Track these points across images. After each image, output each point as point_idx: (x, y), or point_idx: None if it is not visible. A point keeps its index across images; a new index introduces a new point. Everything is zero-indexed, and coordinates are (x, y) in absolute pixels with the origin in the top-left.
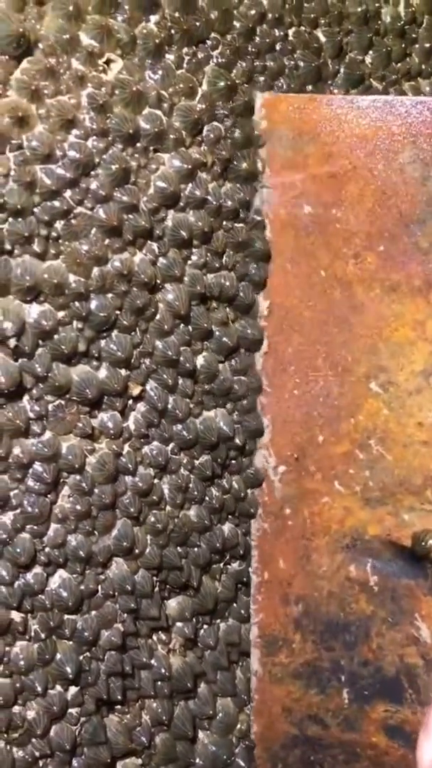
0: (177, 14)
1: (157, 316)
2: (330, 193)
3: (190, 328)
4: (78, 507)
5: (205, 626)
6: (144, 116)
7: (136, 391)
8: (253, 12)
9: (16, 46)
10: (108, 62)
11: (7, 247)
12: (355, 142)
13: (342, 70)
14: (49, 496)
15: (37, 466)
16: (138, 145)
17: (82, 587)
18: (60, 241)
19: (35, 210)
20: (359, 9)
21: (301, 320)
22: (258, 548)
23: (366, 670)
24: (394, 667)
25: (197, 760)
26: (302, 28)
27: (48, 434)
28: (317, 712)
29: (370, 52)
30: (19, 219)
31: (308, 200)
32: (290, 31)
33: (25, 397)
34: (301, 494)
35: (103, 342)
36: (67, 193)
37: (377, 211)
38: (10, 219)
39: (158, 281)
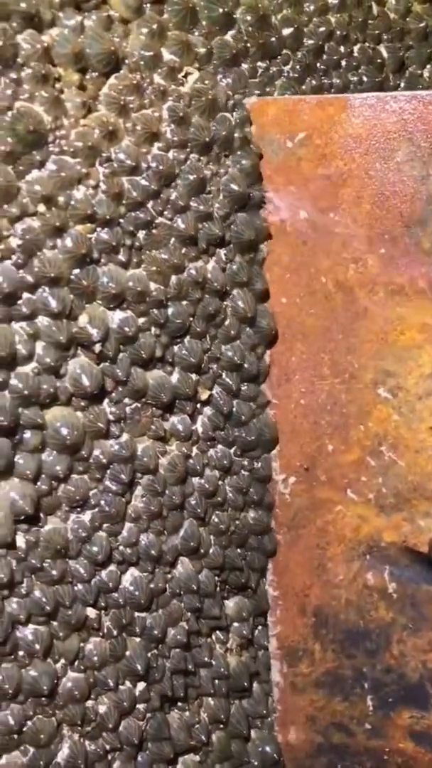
0: (252, 29)
1: (226, 322)
2: (326, 197)
3: (253, 331)
4: (151, 507)
5: (260, 627)
6: (217, 120)
7: (204, 395)
8: (322, 29)
9: (105, 63)
10: (186, 75)
11: (95, 256)
12: (349, 142)
13: (402, 84)
14: (125, 496)
15: (115, 467)
16: (212, 152)
17: (152, 586)
18: (142, 250)
19: (121, 220)
20: (420, 25)
21: (304, 328)
22: (273, 560)
23: (389, 677)
24: (418, 673)
25: (250, 759)
26: (366, 44)
27: (125, 436)
28: (342, 720)
29: (428, 66)
30: (107, 229)
31: (303, 205)
32: (355, 48)
33: (105, 400)
34: (313, 504)
35: (176, 348)
36: (150, 204)
37: (376, 213)
38: (99, 229)
39: (227, 287)
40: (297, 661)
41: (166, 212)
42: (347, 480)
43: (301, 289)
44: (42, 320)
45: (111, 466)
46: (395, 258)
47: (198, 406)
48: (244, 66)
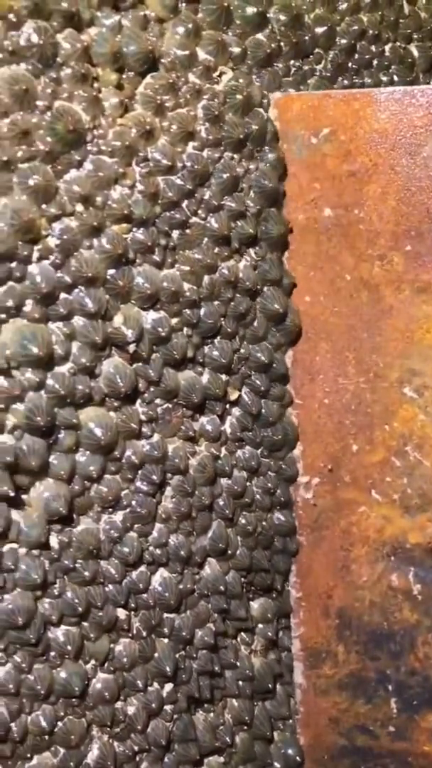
0: (285, 28)
1: (255, 322)
2: (351, 194)
3: (278, 330)
4: (181, 508)
5: (284, 629)
6: (251, 116)
7: (234, 395)
8: (354, 28)
9: (143, 62)
10: (220, 74)
11: (131, 256)
12: (374, 137)
13: None
14: (155, 496)
15: (147, 468)
16: (245, 150)
17: (181, 587)
18: (176, 250)
19: (156, 220)
20: None
21: (328, 327)
22: (296, 562)
23: (414, 680)
24: None
25: (273, 761)
26: (397, 43)
27: (156, 437)
28: (365, 723)
29: None
30: (143, 229)
31: (328, 202)
32: (387, 47)
33: (138, 401)
34: (336, 505)
35: (206, 348)
36: (185, 204)
37: (402, 210)
38: (135, 229)
39: (258, 286)
40: (320, 662)
41: (200, 212)
42: (372, 481)
43: (326, 287)
44: (78, 320)
45: (143, 466)
46: (421, 255)
47: (227, 406)
48: (278, 65)
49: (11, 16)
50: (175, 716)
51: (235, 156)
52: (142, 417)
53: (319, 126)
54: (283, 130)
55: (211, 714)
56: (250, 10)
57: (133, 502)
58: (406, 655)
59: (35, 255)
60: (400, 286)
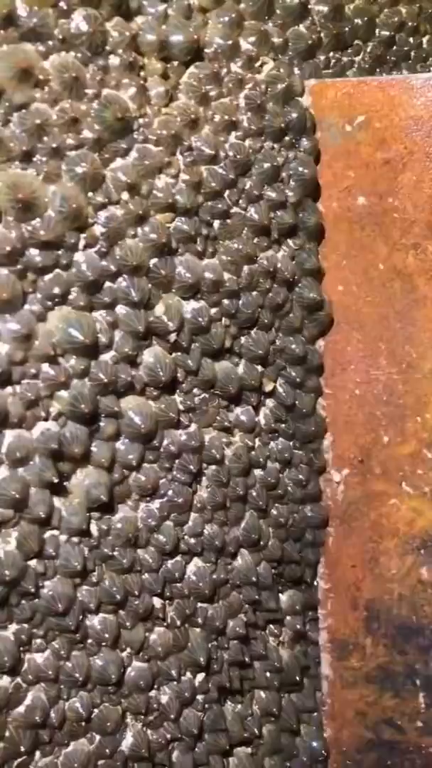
0: (325, 20)
1: (291, 314)
2: (385, 182)
3: (311, 320)
4: (216, 498)
5: (311, 621)
6: (291, 105)
7: (269, 387)
8: (393, 20)
9: (187, 52)
10: (262, 65)
11: (173, 245)
12: (410, 125)
13: None
14: (192, 486)
15: (184, 457)
16: (285, 139)
17: (215, 576)
18: (217, 240)
19: (199, 210)
20: None
21: (360, 317)
22: (324, 553)
23: None
24: None
25: (299, 754)
26: None
27: (193, 426)
28: (392, 716)
29: None
30: (185, 218)
31: (362, 190)
32: (425, 39)
33: (176, 390)
34: (366, 497)
35: (243, 339)
36: (227, 193)
37: None
38: (178, 218)
39: (296, 276)
40: (347, 654)
41: (240, 201)
42: (402, 473)
43: (359, 277)
44: (121, 309)
45: (180, 455)
46: None
47: (261, 398)
48: (318, 57)
49: (62, 4)
50: (206, 706)
51: (275, 145)
52: (180, 407)
53: (353, 113)
54: (318, 117)
55: (240, 705)
56: (292, 0)
57: (170, 491)
58: None
59: (81, 243)
60: None
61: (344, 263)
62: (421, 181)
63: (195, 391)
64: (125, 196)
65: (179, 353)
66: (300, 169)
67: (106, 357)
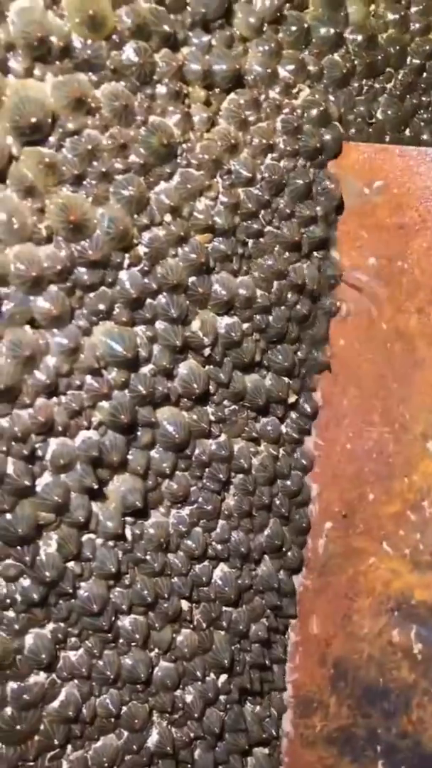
0: (359, 49)
1: (314, 326)
2: (397, 245)
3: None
4: (242, 506)
5: None
6: (328, 128)
7: (292, 399)
8: (425, 48)
9: (229, 80)
10: (298, 91)
11: (211, 264)
12: (426, 194)
13: None
14: (220, 494)
15: (214, 466)
16: (319, 158)
17: (239, 582)
18: (251, 258)
19: (236, 230)
20: None
21: (359, 372)
22: (298, 605)
23: (404, 743)
24: None
25: None
26: None
27: (223, 436)
28: None
29: None
30: (223, 239)
31: (374, 251)
32: None
33: (209, 402)
34: (346, 552)
35: (270, 352)
36: (261, 213)
37: None
38: (216, 239)
39: (320, 285)
40: (310, 712)
41: (274, 220)
42: (384, 532)
43: (361, 333)
44: (160, 324)
45: (210, 464)
46: None
47: (286, 410)
48: (352, 84)
49: (114, 36)
50: (228, 706)
51: (307, 163)
52: (212, 417)
53: (373, 177)
54: (339, 176)
55: (259, 707)
56: (328, 30)
57: (200, 499)
58: (399, 715)
59: (126, 262)
60: None
61: (348, 318)
62: (430, 248)
63: (225, 402)
64: (168, 218)
65: (212, 366)
66: (327, 183)
67: (145, 370)
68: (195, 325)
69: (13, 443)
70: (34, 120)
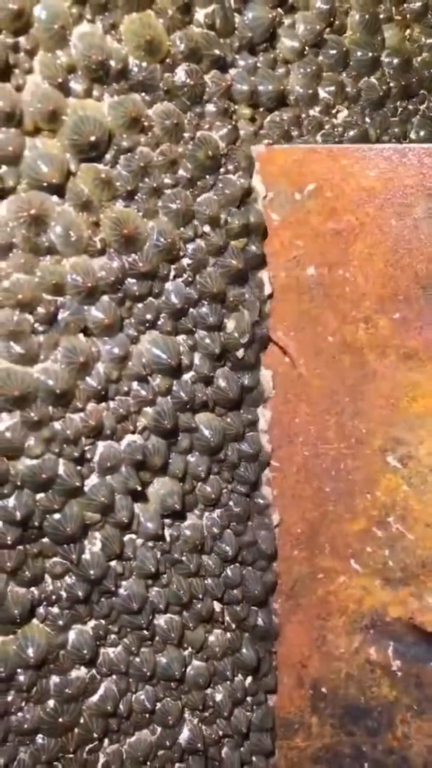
0: (394, 72)
1: None
2: (335, 253)
3: None
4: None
5: None
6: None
7: None
8: None
9: (274, 100)
10: (337, 113)
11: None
12: (362, 196)
13: None
14: (249, 496)
15: (242, 467)
16: None
17: (265, 582)
18: None
19: None
20: None
21: (308, 389)
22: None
23: (390, 759)
24: (422, 758)
25: None
26: None
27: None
28: None
29: None
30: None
31: (311, 261)
32: None
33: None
34: (314, 573)
35: None
36: None
37: (389, 272)
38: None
39: None
40: (292, 733)
41: None
42: (352, 550)
43: (307, 348)
44: (199, 332)
45: (239, 466)
46: (409, 320)
47: None
48: (388, 106)
49: (168, 59)
50: (254, 707)
51: None
52: (243, 420)
53: (303, 181)
54: (266, 184)
55: None
56: (365, 54)
57: (231, 502)
58: (383, 732)
59: (172, 273)
60: (385, 351)
61: (292, 334)
62: (372, 254)
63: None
64: (207, 228)
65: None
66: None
67: (187, 377)
68: (230, 325)
69: (65, 445)
70: (92, 138)
